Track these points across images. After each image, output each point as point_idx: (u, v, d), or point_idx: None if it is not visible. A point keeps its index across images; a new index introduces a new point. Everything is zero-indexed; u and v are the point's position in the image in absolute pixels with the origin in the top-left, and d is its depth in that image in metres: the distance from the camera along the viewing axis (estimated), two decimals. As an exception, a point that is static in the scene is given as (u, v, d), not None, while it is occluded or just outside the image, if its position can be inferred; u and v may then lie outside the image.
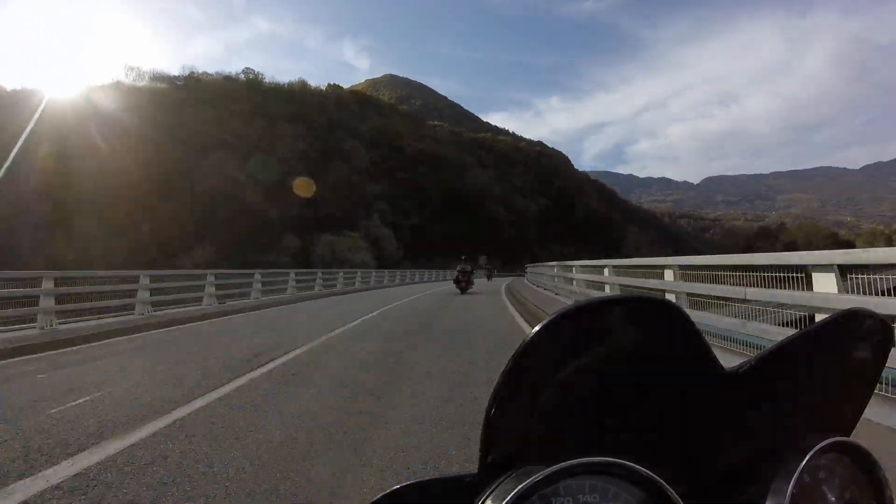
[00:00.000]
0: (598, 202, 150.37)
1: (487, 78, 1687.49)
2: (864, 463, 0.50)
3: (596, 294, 7.82)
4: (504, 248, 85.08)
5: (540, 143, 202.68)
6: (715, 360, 0.45)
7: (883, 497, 0.50)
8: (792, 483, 0.45)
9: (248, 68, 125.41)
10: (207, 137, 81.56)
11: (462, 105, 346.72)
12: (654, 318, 0.43)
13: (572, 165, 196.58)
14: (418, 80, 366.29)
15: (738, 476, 0.48)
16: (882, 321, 0.53)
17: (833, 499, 0.48)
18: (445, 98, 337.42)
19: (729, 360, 0.45)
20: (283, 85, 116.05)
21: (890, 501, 0.50)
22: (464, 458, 2.68)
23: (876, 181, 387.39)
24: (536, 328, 0.39)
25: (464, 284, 18.22)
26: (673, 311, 0.43)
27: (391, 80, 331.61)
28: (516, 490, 0.37)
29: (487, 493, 0.39)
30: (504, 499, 0.37)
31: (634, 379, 0.43)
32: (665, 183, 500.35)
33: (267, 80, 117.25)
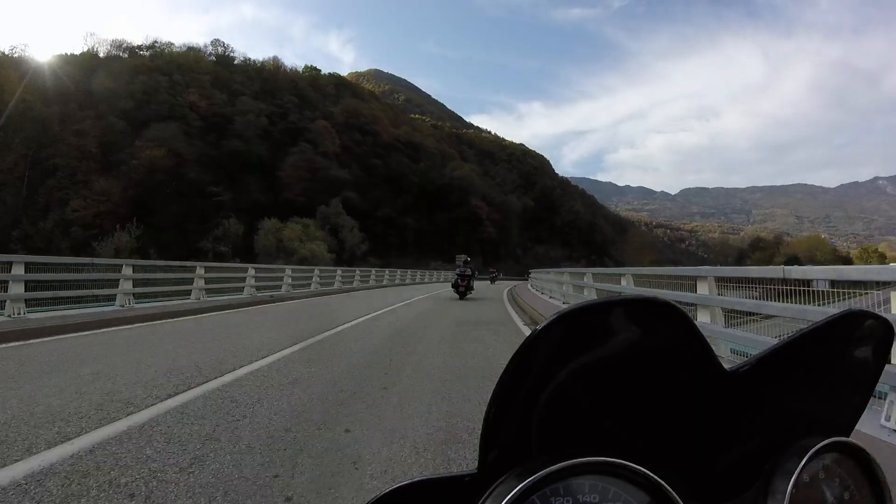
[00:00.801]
0: (581, 206, 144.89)
1: (471, 79, 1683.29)
2: (863, 463, 0.50)
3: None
4: (484, 248, 77.71)
5: (522, 146, 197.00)
6: (715, 360, 0.45)
7: (882, 497, 0.49)
8: (791, 483, 0.44)
9: (216, 40, 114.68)
10: (156, 107, 72.22)
11: (445, 105, 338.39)
12: (655, 318, 0.42)
13: (553, 169, 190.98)
14: (404, 78, 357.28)
15: (737, 476, 0.47)
16: (883, 321, 0.52)
17: (832, 499, 0.47)
18: (429, 96, 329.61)
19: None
20: (256, 62, 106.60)
21: (889, 501, 0.49)
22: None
23: (850, 200, 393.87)
24: (537, 329, 0.39)
25: (462, 289, 17.16)
26: (673, 312, 0.42)
27: (376, 75, 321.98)
28: (516, 490, 0.36)
29: (487, 493, 0.39)
30: (504, 498, 0.36)
31: (635, 379, 0.43)
32: (643, 192, 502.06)
33: (237, 55, 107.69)
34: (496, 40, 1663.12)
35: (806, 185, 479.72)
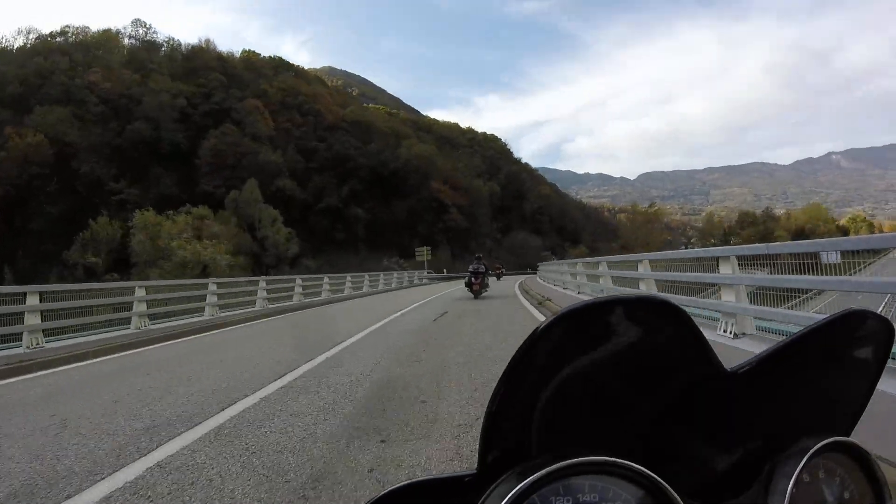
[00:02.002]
0: (550, 191, 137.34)
1: (427, 75, 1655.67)
2: (863, 463, 0.50)
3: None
4: (450, 237, 68.22)
5: (483, 133, 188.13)
6: (715, 359, 0.45)
7: (882, 497, 0.49)
8: (792, 483, 0.44)
9: (137, 19, 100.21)
10: (49, 90, 59.69)
11: (402, 100, 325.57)
12: (655, 317, 0.42)
13: (513, 156, 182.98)
14: (358, 74, 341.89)
15: (738, 476, 0.47)
16: (884, 321, 0.52)
17: (832, 499, 0.47)
18: (385, 91, 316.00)
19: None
20: (182, 44, 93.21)
21: (889, 501, 0.49)
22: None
23: (806, 176, 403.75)
24: (538, 328, 0.38)
25: (477, 287, 16.82)
26: (674, 311, 0.42)
27: (329, 72, 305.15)
28: (516, 489, 0.36)
29: (487, 493, 0.39)
30: (504, 498, 0.36)
31: (635, 379, 0.43)
32: (602, 179, 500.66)
33: (160, 36, 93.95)
34: (453, 35, 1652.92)
35: (762, 163, 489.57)
